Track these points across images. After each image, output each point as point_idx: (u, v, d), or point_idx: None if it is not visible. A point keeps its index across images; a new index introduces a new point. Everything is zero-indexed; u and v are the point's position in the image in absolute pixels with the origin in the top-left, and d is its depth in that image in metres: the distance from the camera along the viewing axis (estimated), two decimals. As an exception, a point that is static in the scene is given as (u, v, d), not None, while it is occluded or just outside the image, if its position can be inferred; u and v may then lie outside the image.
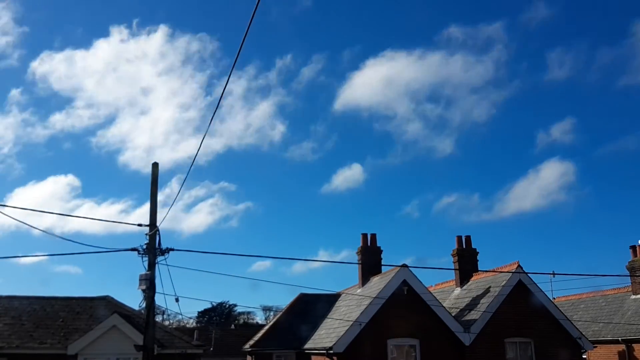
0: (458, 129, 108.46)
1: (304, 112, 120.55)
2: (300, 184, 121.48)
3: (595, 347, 23.82)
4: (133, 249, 13.45)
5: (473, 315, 21.25)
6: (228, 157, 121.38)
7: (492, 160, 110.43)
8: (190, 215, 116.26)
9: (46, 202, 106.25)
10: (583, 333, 22.52)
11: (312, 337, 24.24)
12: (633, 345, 24.63)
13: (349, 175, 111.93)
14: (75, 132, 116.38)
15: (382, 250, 25.77)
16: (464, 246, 25.13)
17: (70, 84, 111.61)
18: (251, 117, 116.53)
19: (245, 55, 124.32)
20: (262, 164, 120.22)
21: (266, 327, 28.20)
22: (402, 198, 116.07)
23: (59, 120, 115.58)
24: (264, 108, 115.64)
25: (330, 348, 19.73)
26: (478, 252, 25.24)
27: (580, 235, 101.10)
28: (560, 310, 22.34)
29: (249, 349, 26.01)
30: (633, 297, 27.05)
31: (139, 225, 13.64)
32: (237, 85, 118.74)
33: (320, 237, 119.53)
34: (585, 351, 22.43)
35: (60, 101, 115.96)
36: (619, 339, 25.09)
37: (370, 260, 25.17)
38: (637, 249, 26.87)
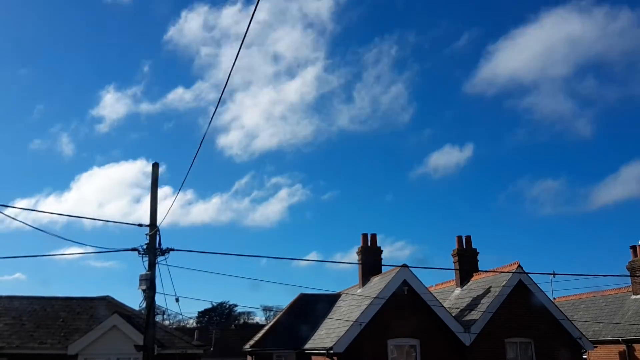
0: (607, 107, 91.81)
1: (435, 93, 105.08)
2: (394, 169, 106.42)
3: (596, 347, 23.80)
4: (133, 249, 13.44)
5: (473, 315, 21.23)
6: (336, 144, 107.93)
7: (624, 141, 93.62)
8: (267, 207, 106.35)
9: (118, 186, 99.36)
10: (583, 333, 22.51)
11: (313, 337, 24.22)
12: (634, 345, 24.63)
13: (449, 158, 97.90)
14: (187, 108, 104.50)
15: (382, 250, 25.83)
16: (464, 246, 25.13)
17: (203, 53, 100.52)
18: (380, 99, 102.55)
19: (400, 19, 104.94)
20: (374, 151, 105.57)
21: (266, 327, 28.18)
22: (500, 187, 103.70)
23: (174, 96, 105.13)
24: (396, 89, 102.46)
25: (331, 348, 19.72)
26: (478, 252, 25.29)
27: None
28: (560, 311, 22.32)
29: (249, 349, 26.00)
30: (633, 297, 27.05)
31: (139, 225, 13.62)
32: (384, 55, 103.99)
33: (380, 228, 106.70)
34: (586, 351, 22.42)
35: (185, 74, 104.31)
36: (620, 339, 25.10)
37: (370, 260, 25.17)
38: (638, 249, 26.87)
